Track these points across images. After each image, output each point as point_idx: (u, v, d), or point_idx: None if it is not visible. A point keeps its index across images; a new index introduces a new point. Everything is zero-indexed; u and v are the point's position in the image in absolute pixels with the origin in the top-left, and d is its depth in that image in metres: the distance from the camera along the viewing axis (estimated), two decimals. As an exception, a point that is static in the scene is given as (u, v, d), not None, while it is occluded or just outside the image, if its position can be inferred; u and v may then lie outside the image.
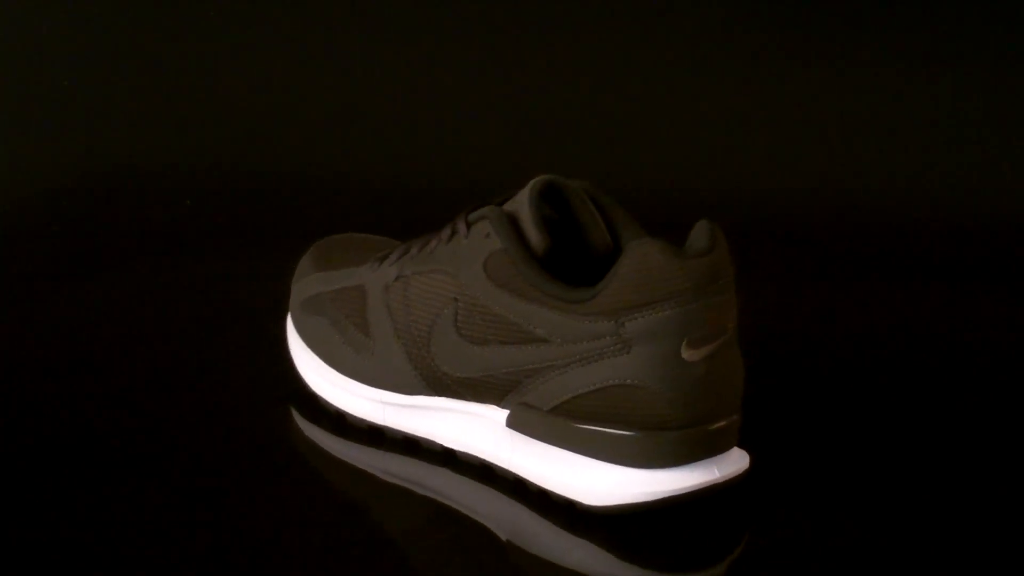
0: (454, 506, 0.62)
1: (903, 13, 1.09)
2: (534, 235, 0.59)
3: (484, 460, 0.63)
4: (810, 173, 1.06)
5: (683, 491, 0.58)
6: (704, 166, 1.07)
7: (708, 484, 0.58)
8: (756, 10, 1.11)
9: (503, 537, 0.59)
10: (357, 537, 0.60)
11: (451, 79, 1.11)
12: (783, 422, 0.68)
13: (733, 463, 0.59)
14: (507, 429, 0.61)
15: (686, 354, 0.56)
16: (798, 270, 0.94)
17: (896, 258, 0.97)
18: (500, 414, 0.61)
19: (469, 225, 0.62)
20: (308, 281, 0.71)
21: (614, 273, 0.56)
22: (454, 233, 0.62)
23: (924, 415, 0.70)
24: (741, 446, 0.60)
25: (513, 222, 0.60)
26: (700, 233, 0.57)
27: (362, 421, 0.67)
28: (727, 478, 0.59)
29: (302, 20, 1.12)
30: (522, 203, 0.60)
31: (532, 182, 0.61)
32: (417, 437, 0.65)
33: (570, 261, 0.61)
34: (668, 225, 0.59)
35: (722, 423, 0.58)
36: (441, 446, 0.65)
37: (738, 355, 0.59)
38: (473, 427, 0.63)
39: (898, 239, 0.99)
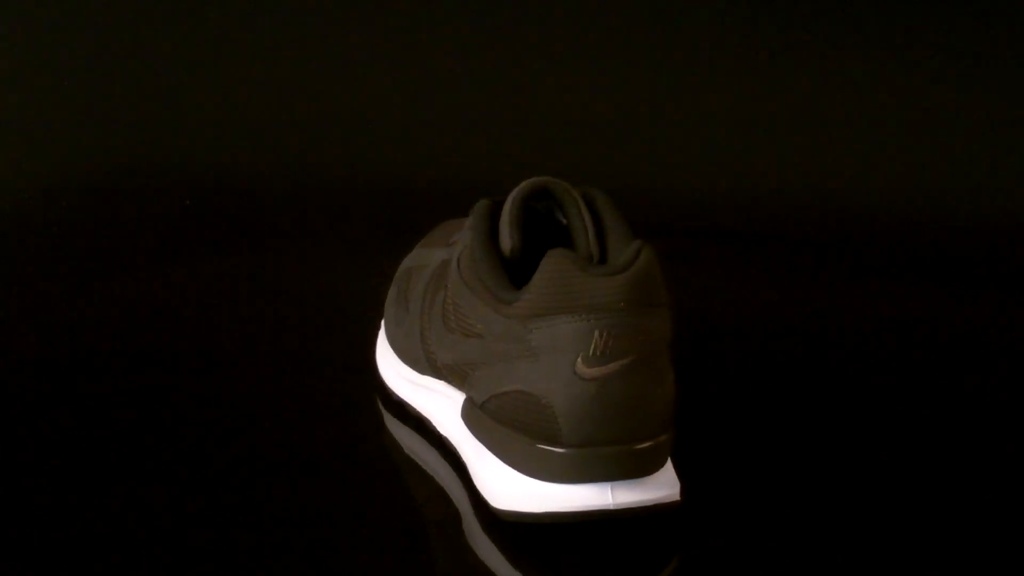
0: (445, 488, 0.63)
1: (901, 13, 1.09)
2: (505, 234, 0.60)
3: (453, 446, 0.64)
4: (809, 175, 1.06)
5: (571, 511, 0.56)
6: (710, 168, 1.07)
7: (598, 509, 0.56)
8: (758, 10, 1.11)
9: (464, 527, 0.60)
10: (355, 499, 0.62)
11: (460, 80, 1.11)
12: (759, 443, 0.66)
13: (647, 491, 0.56)
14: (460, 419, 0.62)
15: (581, 371, 0.54)
16: (797, 271, 0.94)
17: (898, 258, 0.96)
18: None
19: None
20: (409, 255, 0.73)
21: (532, 280, 0.55)
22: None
23: (918, 428, 0.68)
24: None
25: (495, 219, 0.61)
26: (627, 252, 0.55)
27: (393, 392, 0.70)
28: (630, 506, 0.56)
29: (303, 19, 1.12)
30: (507, 202, 0.61)
31: (523, 183, 0.61)
32: (421, 416, 0.67)
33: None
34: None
35: (626, 447, 0.55)
36: (435, 428, 0.66)
37: (658, 379, 0.56)
38: (450, 413, 0.64)
39: (899, 241, 0.99)
